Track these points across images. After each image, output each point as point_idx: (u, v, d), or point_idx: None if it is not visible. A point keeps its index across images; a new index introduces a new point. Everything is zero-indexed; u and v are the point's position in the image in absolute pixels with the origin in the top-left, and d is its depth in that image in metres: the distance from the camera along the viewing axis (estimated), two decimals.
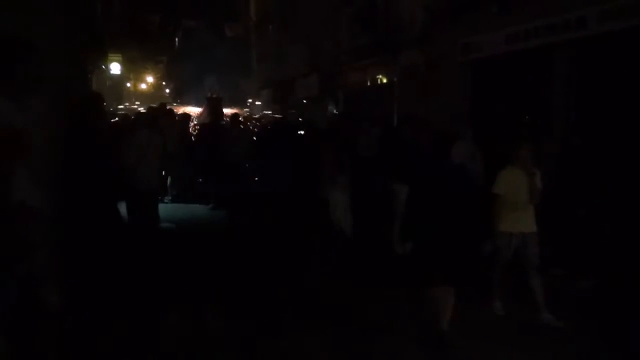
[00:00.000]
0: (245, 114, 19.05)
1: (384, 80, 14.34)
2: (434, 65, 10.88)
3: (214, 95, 17.87)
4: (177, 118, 10.01)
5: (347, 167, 5.63)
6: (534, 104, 8.29)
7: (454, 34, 9.90)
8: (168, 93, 45.38)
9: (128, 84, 40.07)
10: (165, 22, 37.51)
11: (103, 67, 19.27)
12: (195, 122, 12.36)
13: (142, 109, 14.55)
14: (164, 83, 48.95)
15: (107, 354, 3.64)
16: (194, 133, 10.58)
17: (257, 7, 28.77)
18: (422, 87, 11.25)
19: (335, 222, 5.41)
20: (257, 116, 18.97)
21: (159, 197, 7.45)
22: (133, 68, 40.48)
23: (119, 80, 30.26)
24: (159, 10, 25.47)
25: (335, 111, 16.51)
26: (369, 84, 15.21)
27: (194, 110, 16.81)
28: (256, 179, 8.91)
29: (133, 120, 7.12)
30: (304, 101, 19.59)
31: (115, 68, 25.96)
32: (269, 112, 21.59)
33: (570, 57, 7.51)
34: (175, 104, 22.07)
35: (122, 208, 5.87)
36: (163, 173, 8.09)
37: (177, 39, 43.61)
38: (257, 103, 22.72)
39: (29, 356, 2.61)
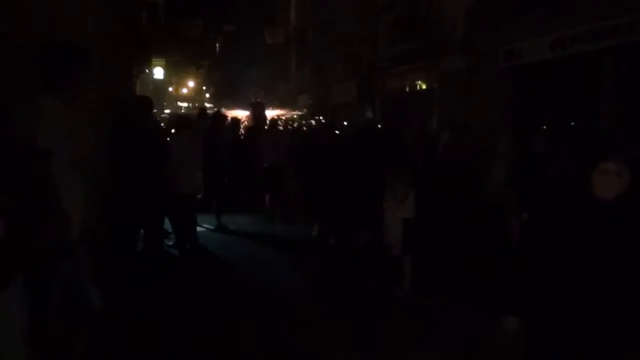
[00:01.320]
0: (287, 118, 18.94)
1: (423, 86, 14.19)
2: (475, 71, 10.70)
3: (258, 100, 17.72)
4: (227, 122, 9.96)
5: (409, 177, 5.01)
6: (580, 111, 8.03)
7: (497, 39, 9.71)
8: (208, 97, 46.21)
9: (170, 88, 41.05)
10: (207, 28, 38.25)
11: (147, 71, 19.77)
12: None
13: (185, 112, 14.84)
14: (204, 87, 49.89)
15: (141, 354, 3.68)
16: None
17: (297, 12, 28.97)
18: (463, 93, 11.08)
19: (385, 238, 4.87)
20: (297, 121, 18.82)
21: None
22: (175, 72, 41.47)
23: (161, 84, 31.04)
24: (201, 15, 26.00)
25: (371, 117, 16.43)
26: (407, 89, 15.08)
27: (239, 115, 16.77)
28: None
29: (175, 123, 7.23)
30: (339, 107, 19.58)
31: (158, 72, 26.63)
32: (304, 116, 21.65)
33: (619, 63, 7.25)
34: (216, 108, 22.39)
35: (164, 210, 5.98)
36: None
37: (217, 44, 44.35)
38: (296, 113, 22.81)
39: (66, 355, 2.68)
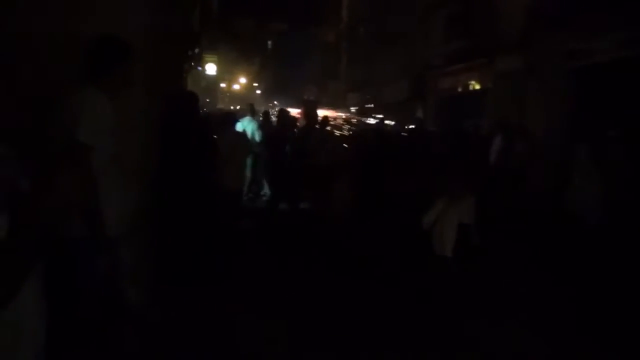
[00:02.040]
0: (342, 117, 18.64)
1: (477, 86, 13.73)
2: (533, 70, 10.21)
3: (311, 98, 17.47)
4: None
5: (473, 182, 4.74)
6: None
7: (559, 37, 9.21)
8: (259, 94, 46.82)
9: (222, 85, 41.81)
10: (259, 25, 38.72)
11: (199, 68, 20.15)
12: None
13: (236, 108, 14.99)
14: (255, 84, 50.59)
15: (183, 349, 3.64)
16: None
17: (349, 10, 28.83)
18: (519, 94, 10.60)
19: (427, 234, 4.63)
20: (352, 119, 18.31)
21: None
22: (227, 69, 42.19)
23: (213, 80, 31.61)
24: (253, 13, 26.34)
25: (422, 117, 16.08)
26: (460, 89, 14.65)
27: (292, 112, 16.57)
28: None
29: (222, 120, 7.23)
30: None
31: (210, 69, 27.12)
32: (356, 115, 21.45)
33: None
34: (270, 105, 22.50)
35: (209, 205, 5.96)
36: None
37: (269, 42, 44.84)
38: (343, 112, 22.67)
39: (106, 349, 2.64)
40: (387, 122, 14.47)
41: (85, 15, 2.91)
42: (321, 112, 14.12)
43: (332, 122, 13.66)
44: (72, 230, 2.29)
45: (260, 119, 10.92)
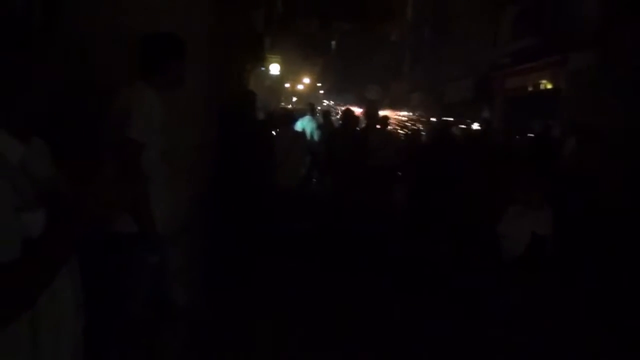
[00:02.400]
0: (404, 117, 18.27)
1: (548, 86, 13.04)
2: (609, 68, 9.54)
3: (373, 98, 17.20)
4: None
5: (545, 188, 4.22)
6: None
7: (637, 31, 8.55)
8: (322, 94, 47.00)
9: (287, 85, 42.28)
10: (323, 25, 38.80)
11: (262, 68, 20.44)
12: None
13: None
14: (319, 84, 50.79)
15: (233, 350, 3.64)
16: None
17: (413, 9, 28.34)
18: (594, 93, 9.94)
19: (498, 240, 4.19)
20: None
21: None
22: (291, 69, 42.61)
23: (277, 80, 31.99)
24: (317, 12, 26.44)
25: (488, 117, 15.48)
26: (530, 89, 13.97)
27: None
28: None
29: (279, 118, 7.25)
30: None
31: (274, 69, 27.44)
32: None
33: None
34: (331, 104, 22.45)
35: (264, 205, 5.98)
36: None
37: (333, 42, 44.88)
38: (405, 113, 22.26)
39: (153, 348, 2.66)
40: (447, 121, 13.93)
41: (150, 14, 2.95)
42: (382, 113, 13.84)
43: (394, 122, 13.38)
44: (123, 226, 2.32)
45: (319, 117, 10.90)
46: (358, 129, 8.68)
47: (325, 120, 10.62)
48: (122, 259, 2.36)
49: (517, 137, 8.25)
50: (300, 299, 4.55)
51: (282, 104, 27.57)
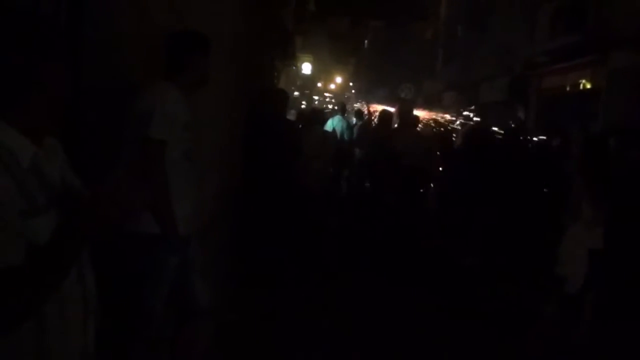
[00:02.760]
0: (438, 117, 17.66)
1: (588, 86, 12.58)
2: None
3: (407, 97, 16.62)
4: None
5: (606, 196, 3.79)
6: None
7: None
8: (353, 93, 46.85)
9: (319, 84, 42.34)
10: (355, 23, 38.64)
11: (294, 67, 20.46)
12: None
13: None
14: (350, 83, 50.68)
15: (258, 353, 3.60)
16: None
17: (447, 6, 27.91)
18: (637, 95, 9.54)
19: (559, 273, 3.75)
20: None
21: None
22: (323, 68, 42.67)
23: (309, 79, 32.06)
24: (349, 11, 26.36)
25: (523, 118, 15.06)
26: (568, 89, 13.51)
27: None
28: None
29: (309, 117, 7.18)
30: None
31: (306, 68, 27.51)
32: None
33: None
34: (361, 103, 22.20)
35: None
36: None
37: (365, 40, 44.67)
38: (435, 114, 21.80)
39: (172, 354, 2.63)
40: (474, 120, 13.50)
41: (176, 14, 2.92)
42: (417, 112, 13.34)
43: (425, 122, 13.00)
44: (144, 227, 2.29)
45: (353, 117, 10.81)
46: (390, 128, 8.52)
47: (358, 119, 10.52)
48: (143, 261, 2.33)
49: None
50: (327, 300, 4.49)
51: (316, 102, 27.56)
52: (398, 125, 8.15)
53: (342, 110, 10.58)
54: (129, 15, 2.63)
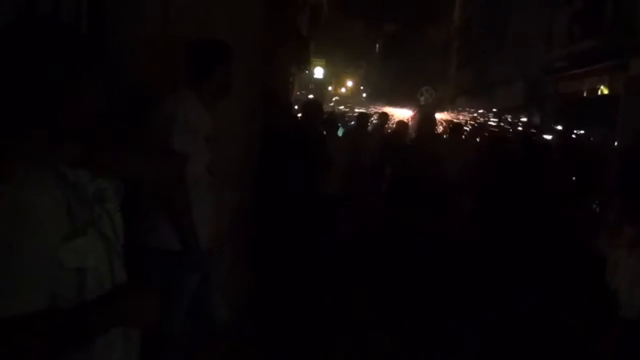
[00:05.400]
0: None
1: (605, 92, 12.40)
2: None
3: (428, 101, 15.45)
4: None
5: None
6: None
7: None
8: (365, 97, 46.74)
9: (330, 88, 42.30)
10: (368, 28, 38.60)
11: (307, 71, 20.43)
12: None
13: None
14: (361, 87, 50.58)
15: None
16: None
17: (461, 10, 27.77)
18: None
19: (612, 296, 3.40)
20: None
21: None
22: (335, 72, 42.63)
23: (321, 84, 32.03)
24: (362, 16, 26.31)
25: (539, 124, 14.86)
26: (585, 94, 13.33)
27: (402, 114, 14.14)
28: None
29: (329, 122, 7.05)
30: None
31: (318, 72, 27.52)
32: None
33: None
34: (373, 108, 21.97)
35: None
36: None
37: (377, 45, 44.59)
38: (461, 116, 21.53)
39: None
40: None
41: (199, 23, 2.85)
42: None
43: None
44: (165, 243, 2.23)
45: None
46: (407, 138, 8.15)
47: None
48: (163, 277, 2.26)
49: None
50: (345, 317, 4.39)
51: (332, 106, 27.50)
52: (419, 135, 7.27)
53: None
54: (151, 24, 2.58)
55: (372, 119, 10.80)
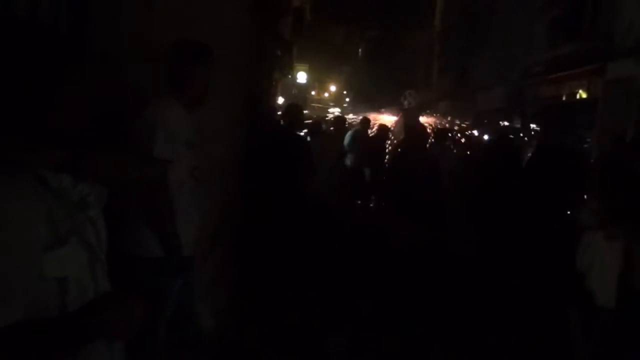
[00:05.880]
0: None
1: (584, 95, 12.63)
2: None
3: (412, 105, 15.21)
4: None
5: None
6: None
7: None
8: (348, 102, 46.92)
9: (313, 92, 42.37)
10: (351, 33, 38.81)
11: (289, 76, 20.44)
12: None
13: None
14: (344, 92, 50.79)
15: None
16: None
17: (443, 15, 28.07)
18: (635, 104, 9.56)
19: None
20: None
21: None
22: (318, 77, 42.76)
23: (304, 88, 32.05)
24: (345, 21, 26.45)
25: (520, 127, 15.08)
26: (564, 98, 13.57)
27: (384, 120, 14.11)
28: None
29: (309, 128, 7.10)
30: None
31: (301, 77, 27.54)
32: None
33: None
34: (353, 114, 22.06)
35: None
36: None
37: (360, 50, 44.84)
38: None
39: None
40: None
41: (182, 27, 2.82)
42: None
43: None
44: (147, 250, 2.19)
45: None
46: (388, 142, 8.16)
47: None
48: (145, 284, 2.22)
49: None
50: (332, 322, 4.36)
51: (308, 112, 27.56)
52: (404, 139, 7.10)
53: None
54: (134, 28, 2.55)
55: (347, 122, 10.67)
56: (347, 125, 9.10)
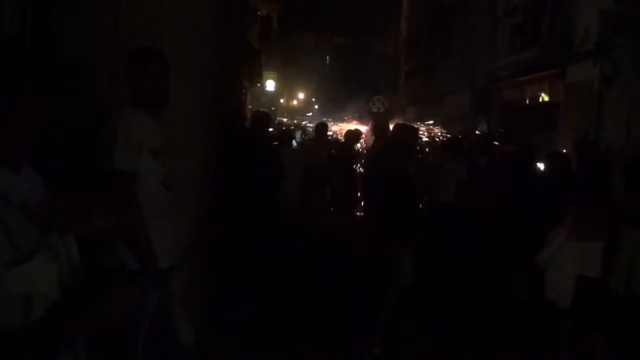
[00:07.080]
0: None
1: (546, 99, 13.00)
2: (611, 81, 9.48)
3: (381, 110, 14.63)
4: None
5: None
6: None
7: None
8: (317, 109, 47.06)
9: (281, 100, 42.35)
10: (319, 41, 39.06)
11: (258, 84, 20.40)
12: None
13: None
14: (313, 99, 50.93)
15: None
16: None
17: (408, 22, 28.49)
18: (595, 106, 9.88)
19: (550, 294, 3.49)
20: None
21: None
22: (286, 85, 42.77)
23: (273, 96, 32.03)
24: (313, 28, 26.65)
25: (486, 131, 15.37)
26: (527, 102, 13.93)
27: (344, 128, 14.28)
28: None
29: (278, 136, 7.11)
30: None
31: (270, 85, 27.47)
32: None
33: None
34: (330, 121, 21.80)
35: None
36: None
37: (327, 57, 45.12)
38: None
39: None
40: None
41: (152, 33, 2.78)
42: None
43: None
44: (123, 263, 2.15)
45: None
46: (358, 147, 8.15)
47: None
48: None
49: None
50: (307, 328, 4.35)
51: (281, 119, 27.54)
52: (374, 144, 7.18)
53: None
54: (100, 35, 2.51)
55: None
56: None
